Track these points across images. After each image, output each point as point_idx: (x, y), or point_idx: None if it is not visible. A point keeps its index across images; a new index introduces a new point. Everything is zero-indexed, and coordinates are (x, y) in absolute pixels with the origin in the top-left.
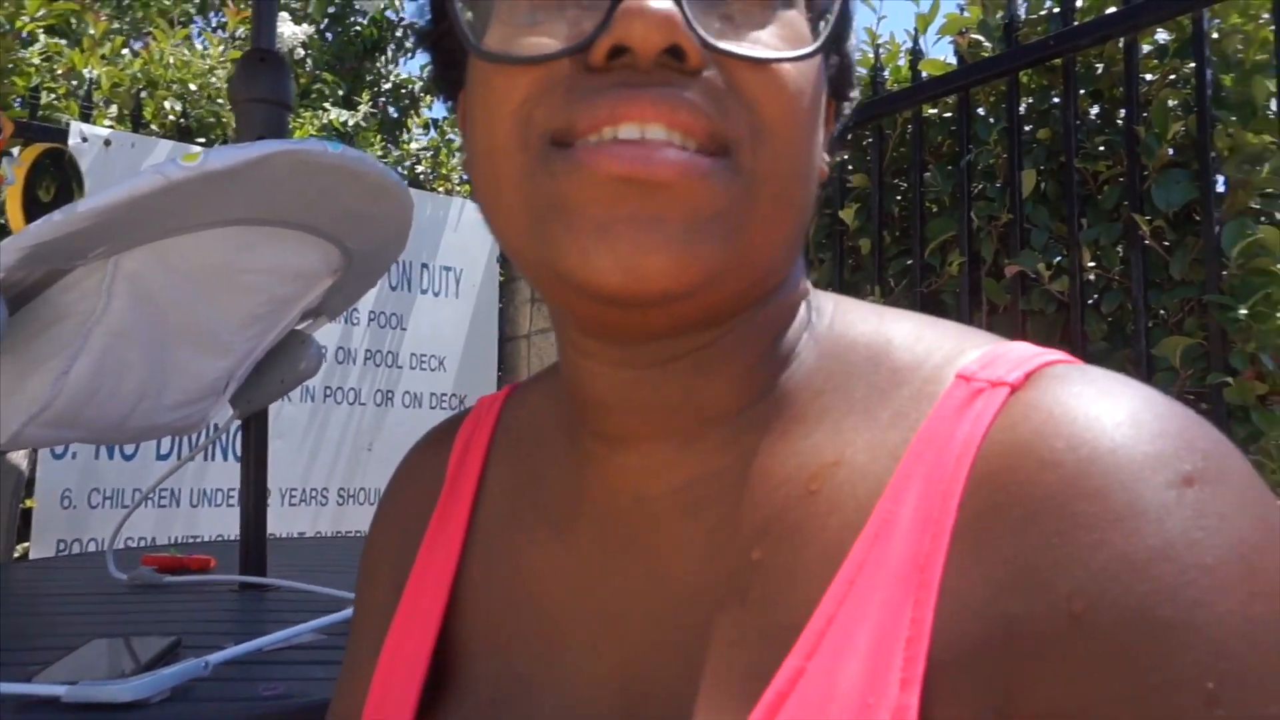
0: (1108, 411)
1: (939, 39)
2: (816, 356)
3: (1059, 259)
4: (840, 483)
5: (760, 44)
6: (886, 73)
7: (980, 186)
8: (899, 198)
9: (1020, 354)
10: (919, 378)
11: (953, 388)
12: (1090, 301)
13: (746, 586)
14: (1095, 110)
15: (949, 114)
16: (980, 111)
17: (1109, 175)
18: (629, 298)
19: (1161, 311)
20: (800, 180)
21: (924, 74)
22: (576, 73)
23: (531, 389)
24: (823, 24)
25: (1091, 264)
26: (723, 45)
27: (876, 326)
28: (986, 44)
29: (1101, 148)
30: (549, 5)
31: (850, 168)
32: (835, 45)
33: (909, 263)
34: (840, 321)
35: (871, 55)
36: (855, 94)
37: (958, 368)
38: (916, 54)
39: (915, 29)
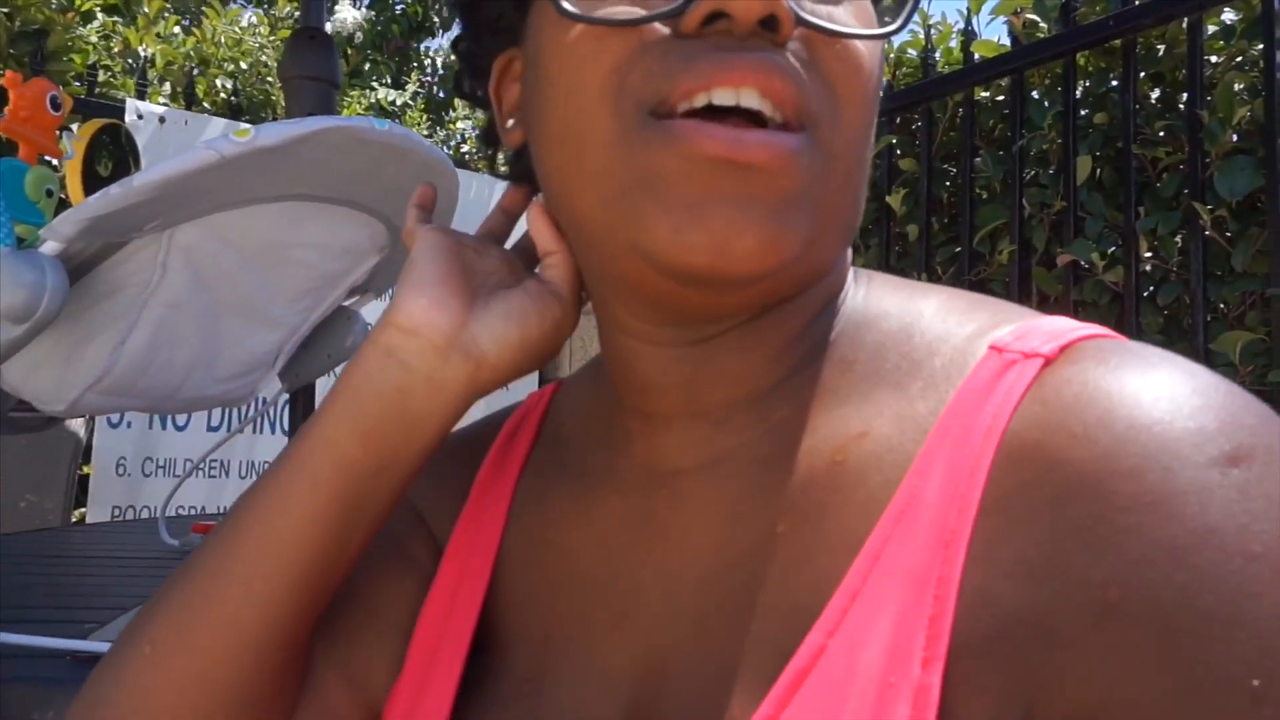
0: (1146, 386)
1: (992, 19)
2: (849, 329)
3: (1114, 249)
4: (866, 455)
5: (843, 24)
6: (937, 54)
7: (1033, 173)
8: (948, 183)
9: (1057, 327)
10: (951, 348)
11: (985, 359)
12: (1146, 294)
13: (769, 560)
14: (1156, 94)
15: (1002, 97)
16: (1034, 95)
17: (1169, 162)
18: (717, 277)
19: (1221, 305)
20: (864, 161)
21: (976, 55)
22: (668, 37)
23: (575, 382)
24: (891, 9)
25: (1148, 254)
26: (812, 19)
27: (908, 298)
28: (1042, 24)
29: (1162, 133)
30: None
31: (899, 152)
32: None
33: (957, 250)
34: (874, 294)
35: (922, 36)
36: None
37: (991, 339)
38: (969, 35)
39: (968, 9)
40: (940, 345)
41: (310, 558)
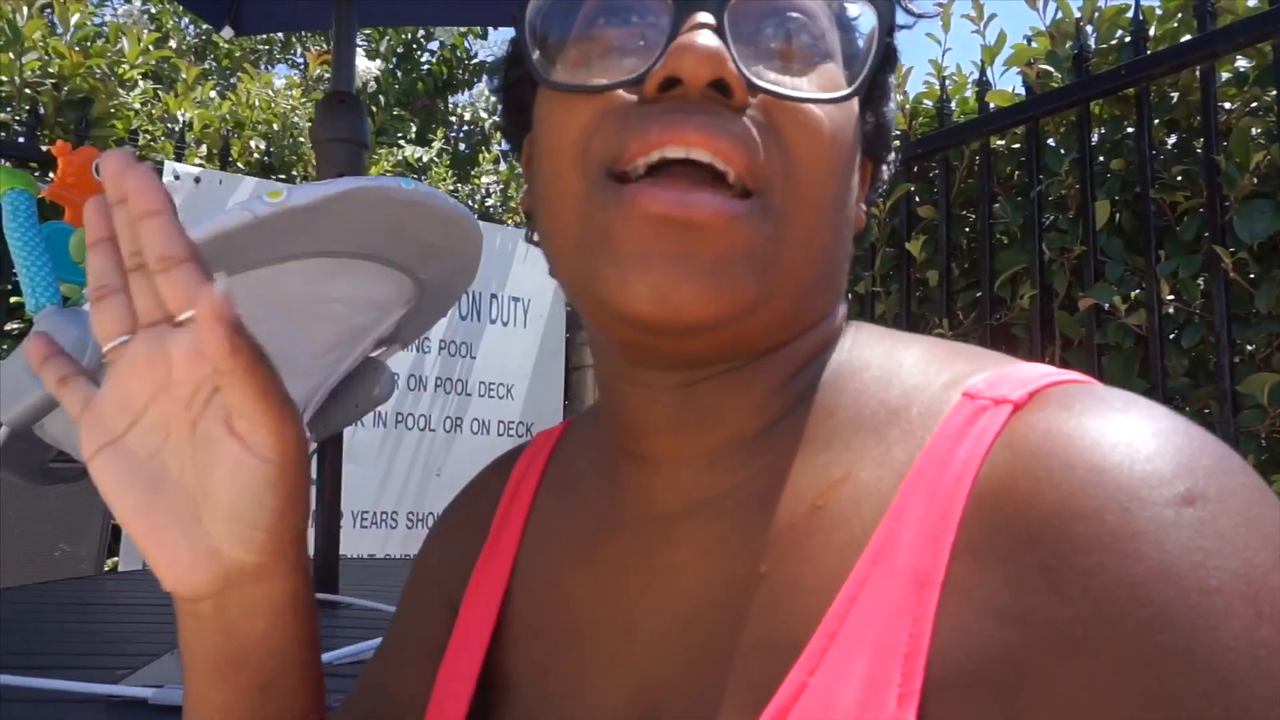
0: (1106, 430)
1: (1005, 70)
2: (833, 379)
3: (1136, 292)
4: (846, 499)
5: (798, 90)
6: (953, 105)
7: (1052, 218)
8: (967, 229)
9: (1028, 373)
10: (927, 396)
11: (958, 406)
12: (1170, 336)
13: (752, 600)
14: (1172, 140)
15: (1018, 145)
16: (1051, 142)
17: (1188, 206)
18: (660, 324)
19: (1248, 347)
20: (828, 224)
21: (991, 105)
22: (631, 103)
23: (583, 423)
24: (858, 73)
25: (1170, 297)
26: (763, 84)
27: (891, 349)
28: (1056, 74)
29: (1179, 178)
30: (612, 49)
31: (917, 199)
32: (872, 105)
33: (978, 295)
34: (859, 345)
35: (938, 87)
36: (892, 156)
37: (965, 387)
38: (983, 85)
39: (981, 60)
40: (918, 394)
41: None
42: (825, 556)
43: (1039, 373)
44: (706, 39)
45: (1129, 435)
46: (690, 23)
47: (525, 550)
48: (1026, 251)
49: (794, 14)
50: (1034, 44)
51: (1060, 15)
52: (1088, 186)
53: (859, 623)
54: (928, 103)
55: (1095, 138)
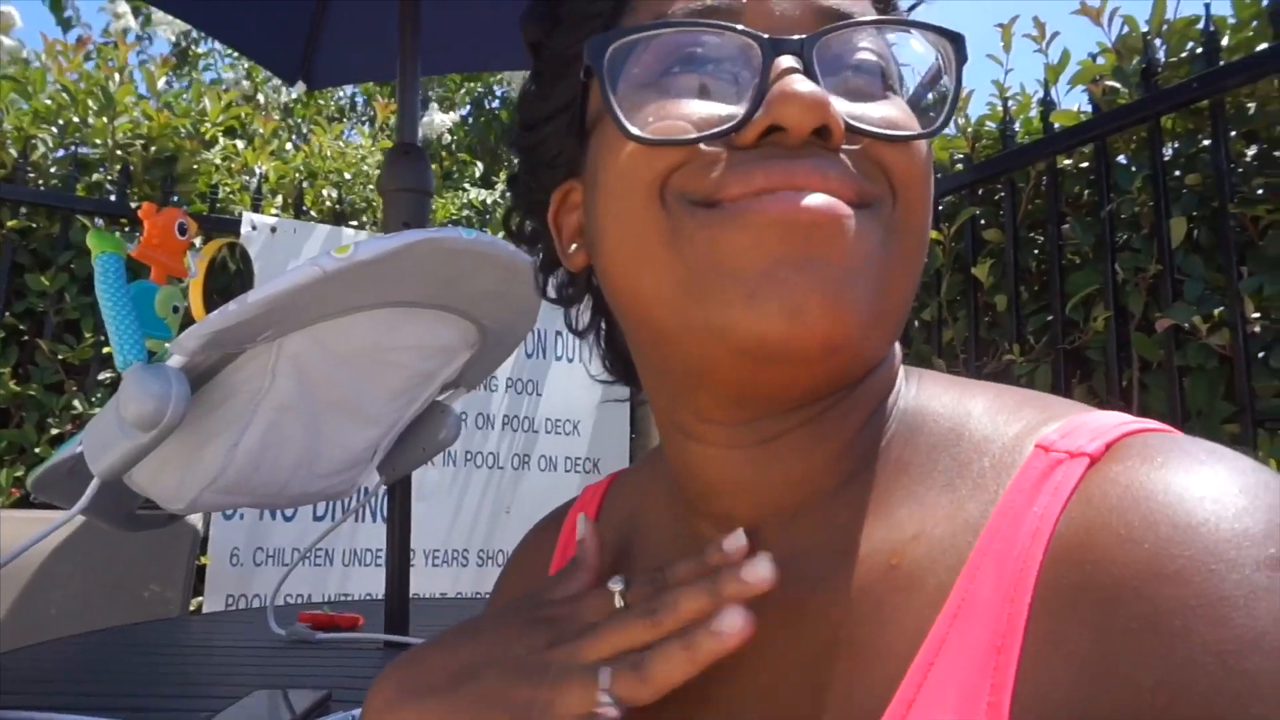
0: (1190, 485)
1: (1070, 89)
2: (903, 431)
3: (1219, 310)
4: (920, 558)
5: (884, 123)
6: (1017, 125)
7: (1125, 237)
8: (1036, 251)
9: (1103, 422)
10: (998, 448)
11: (1032, 458)
12: (1259, 355)
13: (833, 664)
14: (1252, 151)
15: (1086, 164)
16: (1121, 160)
17: (1271, 220)
18: (791, 347)
19: None
20: (923, 243)
21: (1056, 125)
22: (719, 148)
23: (631, 476)
24: (933, 106)
25: (1256, 315)
26: (863, 127)
27: (958, 398)
28: (1123, 90)
29: (1260, 190)
30: (695, 93)
31: (983, 223)
32: None
33: (1049, 319)
34: (924, 394)
35: (1000, 108)
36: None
37: (1037, 438)
38: (1048, 105)
39: (1045, 79)
40: (988, 445)
41: None
42: (903, 617)
43: (1114, 421)
44: (805, 85)
45: (1215, 491)
46: (780, 67)
47: None
48: (1099, 272)
49: (868, 49)
50: (1100, 60)
51: (1126, 30)
52: (1162, 203)
53: (936, 688)
54: (990, 125)
55: (1168, 153)
